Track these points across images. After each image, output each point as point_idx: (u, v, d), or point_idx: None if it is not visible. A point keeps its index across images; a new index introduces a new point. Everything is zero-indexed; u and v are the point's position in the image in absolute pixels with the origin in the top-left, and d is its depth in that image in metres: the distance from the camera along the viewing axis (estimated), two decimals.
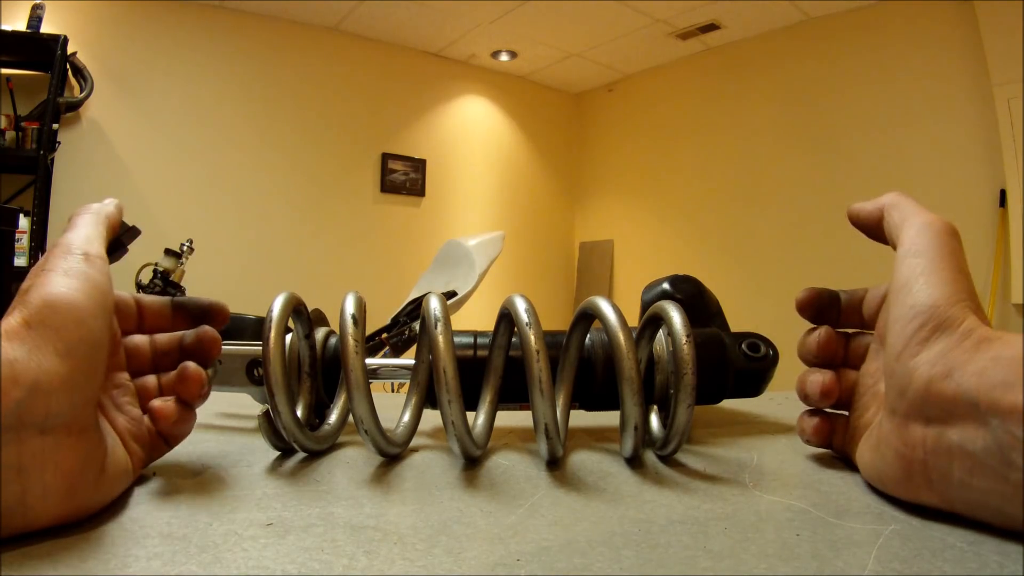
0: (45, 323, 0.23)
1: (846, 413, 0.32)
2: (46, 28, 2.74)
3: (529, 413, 0.31)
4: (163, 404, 0.29)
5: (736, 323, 0.41)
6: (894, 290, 0.28)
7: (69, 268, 0.26)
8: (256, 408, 0.36)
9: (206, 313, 0.32)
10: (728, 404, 0.49)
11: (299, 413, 0.33)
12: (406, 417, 0.35)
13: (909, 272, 0.27)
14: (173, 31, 3.24)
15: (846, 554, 0.21)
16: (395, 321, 2.00)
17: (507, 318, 0.34)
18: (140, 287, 2.17)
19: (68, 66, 2.82)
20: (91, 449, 0.23)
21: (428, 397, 0.36)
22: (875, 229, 0.32)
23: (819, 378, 0.32)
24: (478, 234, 2.30)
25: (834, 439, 0.33)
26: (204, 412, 0.43)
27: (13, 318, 0.23)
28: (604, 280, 4.49)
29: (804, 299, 0.33)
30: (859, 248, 3.01)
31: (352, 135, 3.84)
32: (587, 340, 0.37)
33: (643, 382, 0.31)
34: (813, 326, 0.34)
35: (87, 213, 0.31)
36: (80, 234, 0.29)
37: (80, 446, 0.23)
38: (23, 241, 2.56)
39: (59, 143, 2.74)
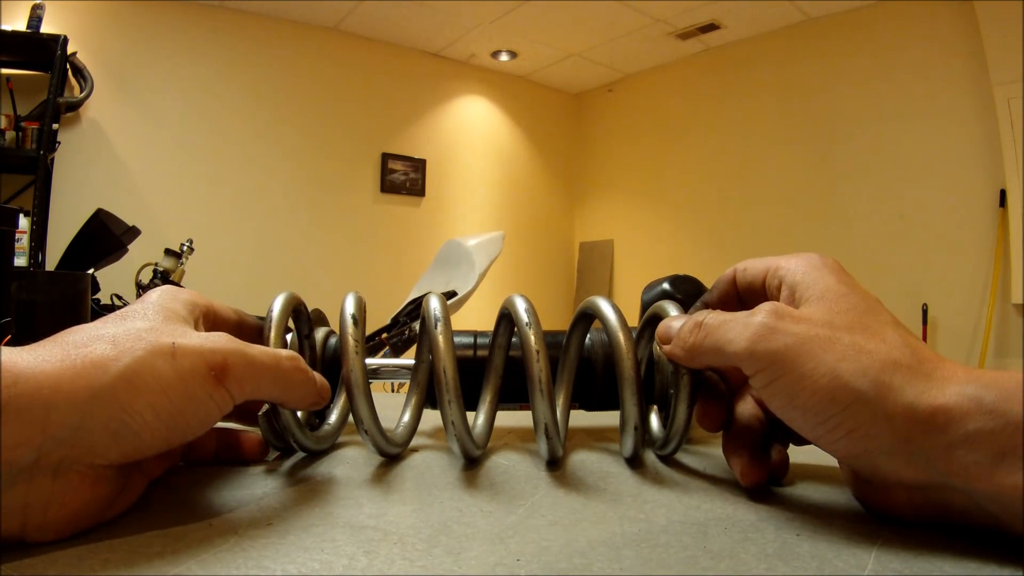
0: (116, 398, 0.21)
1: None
2: (46, 28, 2.74)
3: (529, 413, 0.31)
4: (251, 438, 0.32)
5: None
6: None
7: (175, 353, 0.22)
8: None
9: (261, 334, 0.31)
10: None
11: (299, 413, 0.33)
12: (406, 417, 0.35)
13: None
14: (173, 31, 3.24)
15: (846, 554, 0.21)
16: (395, 321, 2.00)
17: (507, 318, 0.34)
18: (140, 287, 2.17)
19: (68, 66, 2.82)
20: (103, 491, 0.22)
21: (428, 397, 0.36)
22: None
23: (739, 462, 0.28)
24: (478, 234, 2.30)
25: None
26: None
27: (90, 367, 0.21)
28: (604, 280, 4.49)
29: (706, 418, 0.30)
30: (860, 247, 2.99)
31: (352, 135, 3.84)
32: (587, 340, 0.37)
33: (643, 382, 0.31)
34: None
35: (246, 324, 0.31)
36: (210, 338, 0.24)
37: (92, 490, 0.22)
38: (23, 241, 2.56)
39: (59, 143, 2.74)
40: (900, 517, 0.24)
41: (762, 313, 0.25)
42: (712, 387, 0.31)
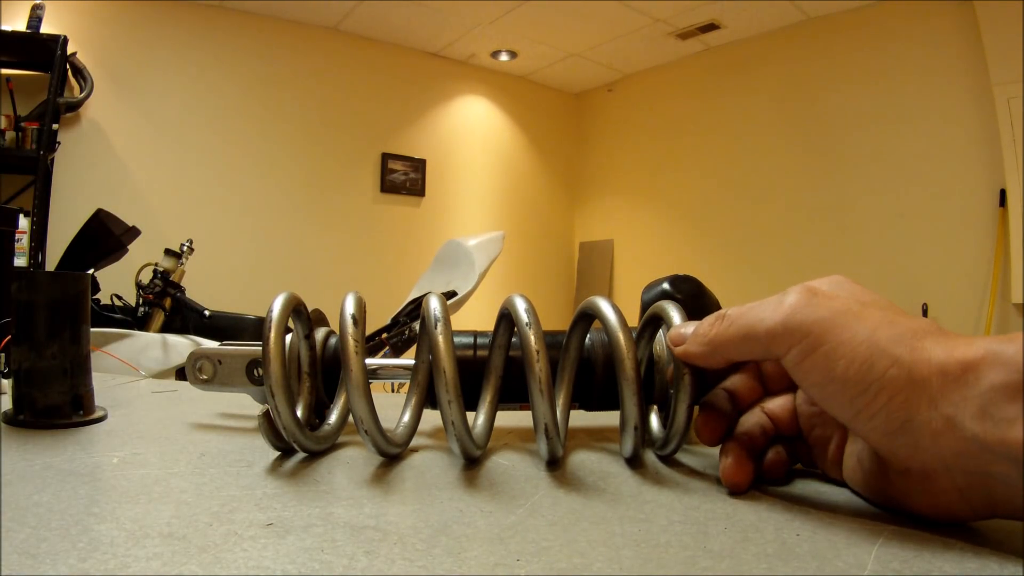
0: None
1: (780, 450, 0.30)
2: (46, 28, 2.74)
3: (529, 413, 0.31)
4: None
5: None
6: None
7: None
8: (256, 408, 0.36)
9: None
10: None
11: (299, 413, 0.33)
12: (406, 417, 0.35)
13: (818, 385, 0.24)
14: (173, 31, 3.24)
15: (846, 554, 0.21)
16: (395, 321, 2.00)
17: (507, 318, 0.34)
18: (140, 287, 2.17)
19: (68, 66, 2.82)
20: None
21: (428, 397, 0.36)
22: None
23: (728, 463, 0.28)
24: (478, 234, 2.30)
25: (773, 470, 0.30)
26: (204, 412, 0.44)
27: None
28: (604, 280, 4.49)
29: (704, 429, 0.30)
30: (860, 247, 2.99)
31: (352, 135, 3.84)
32: (587, 340, 0.36)
33: (643, 382, 0.31)
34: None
35: None
36: None
37: None
38: (23, 241, 2.57)
39: (59, 143, 2.74)
40: (945, 511, 0.23)
41: (794, 293, 0.25)
42: (718, 401, 0.31)
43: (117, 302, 2.17)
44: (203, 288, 2.56)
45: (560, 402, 0.35)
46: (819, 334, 0.24)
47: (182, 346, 1.60)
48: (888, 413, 0.22)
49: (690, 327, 0.29)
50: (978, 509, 0.23)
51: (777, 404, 0.30)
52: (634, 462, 0.33)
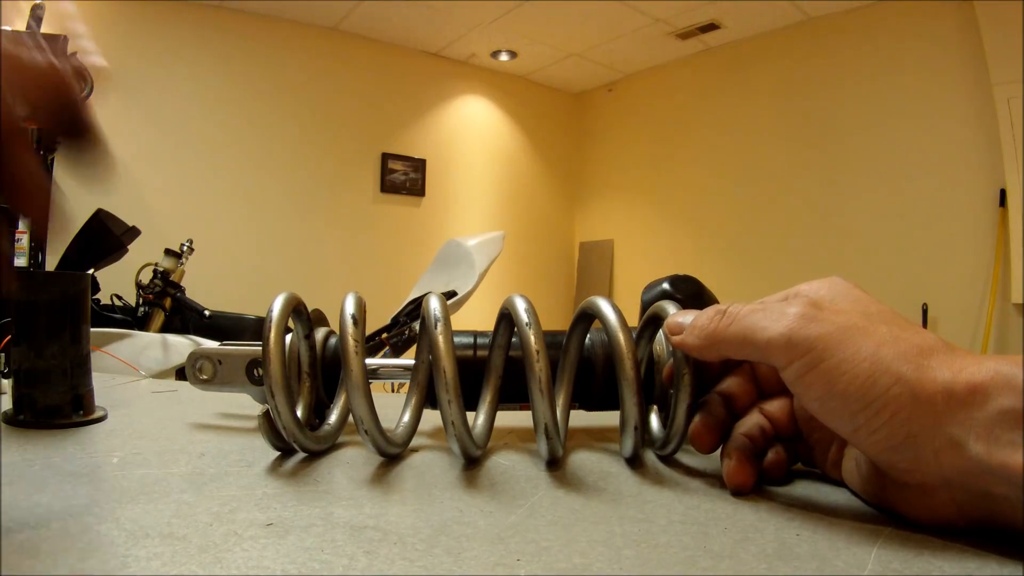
0: None
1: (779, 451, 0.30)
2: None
3: (529, 413, 0.31)
4: None
5: None
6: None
7: None
8: (256, 408, 0.36)
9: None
10: None
11: (299, 413, 0.33)
12: (406, 417, 0.35)
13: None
14: (173, 31, 3.24)
15: (846, 554, 0.21)
16: (395, 321, 2.00)
17: (507, 318, 0.34)
18: (140, 287, 2.17)
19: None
20: None
21: (428, 397, 0.36)
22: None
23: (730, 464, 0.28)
24: (478, 234, 2.30)
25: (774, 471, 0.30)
26: (204, 412, 0.44)
27: None
28: (604, 280, 4.49)
29: (697, 434, 0.30)
30: (860, 247, 2.98)
31: (352, 135, 3.84)
32: (587, 340, 0.36)
33: (643, 382, 0.31)
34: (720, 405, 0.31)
35: None
36: None
37: None
38: (23, 241, 2.56)
39: (59, 143, 2.74)
40: (942, 522, 0.23)
41: (798, 304, 0.25)
42: (712, 408, 0.31)
43: (117, 302, 2.17)
44: (203, 288, 2.55)
45: (560, 402, 0.35)
46: (821, 350, 0.23)
47: (182, 346, 1.60)
48: (890, 429, 0.22)
49: (689, 316, 0.29)
50: (976, 522, 0.23)
51: (775, 406, 0.30)
52: (634, 462, 0.33)
